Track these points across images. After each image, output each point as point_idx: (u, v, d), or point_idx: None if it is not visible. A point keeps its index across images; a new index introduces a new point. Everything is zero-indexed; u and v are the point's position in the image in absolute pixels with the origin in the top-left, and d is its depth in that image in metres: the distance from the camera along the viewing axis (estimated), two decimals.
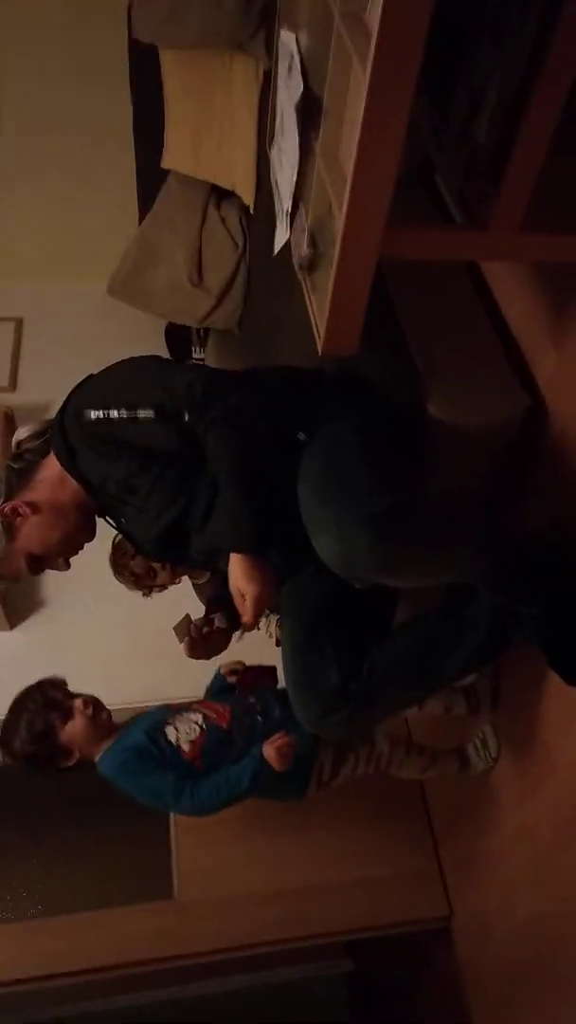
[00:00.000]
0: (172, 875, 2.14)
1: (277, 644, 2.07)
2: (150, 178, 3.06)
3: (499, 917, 2.00)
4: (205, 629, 1.61)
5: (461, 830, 2.15)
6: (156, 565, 2.06)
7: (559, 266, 1.43)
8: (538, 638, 1.44)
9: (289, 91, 1.30)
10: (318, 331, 1.28)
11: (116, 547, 2.04)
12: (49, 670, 1.86)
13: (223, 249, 2.85)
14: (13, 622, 2.63)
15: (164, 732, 1.73)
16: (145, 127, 2.94)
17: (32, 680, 1.82)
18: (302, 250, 1.31)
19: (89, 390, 1.47)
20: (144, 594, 2.13)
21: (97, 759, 1.73)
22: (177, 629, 1.60)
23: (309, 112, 1.28)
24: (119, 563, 2.07)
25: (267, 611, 1.90)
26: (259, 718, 1.78)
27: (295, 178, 1.35)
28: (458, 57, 1.12)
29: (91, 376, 1.52)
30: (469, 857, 2.12)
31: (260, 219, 2.61)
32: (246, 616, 1.38)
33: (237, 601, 1.39)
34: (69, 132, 3.14)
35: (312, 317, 1.33)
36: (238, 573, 1.36)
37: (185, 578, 2.12)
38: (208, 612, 1.69)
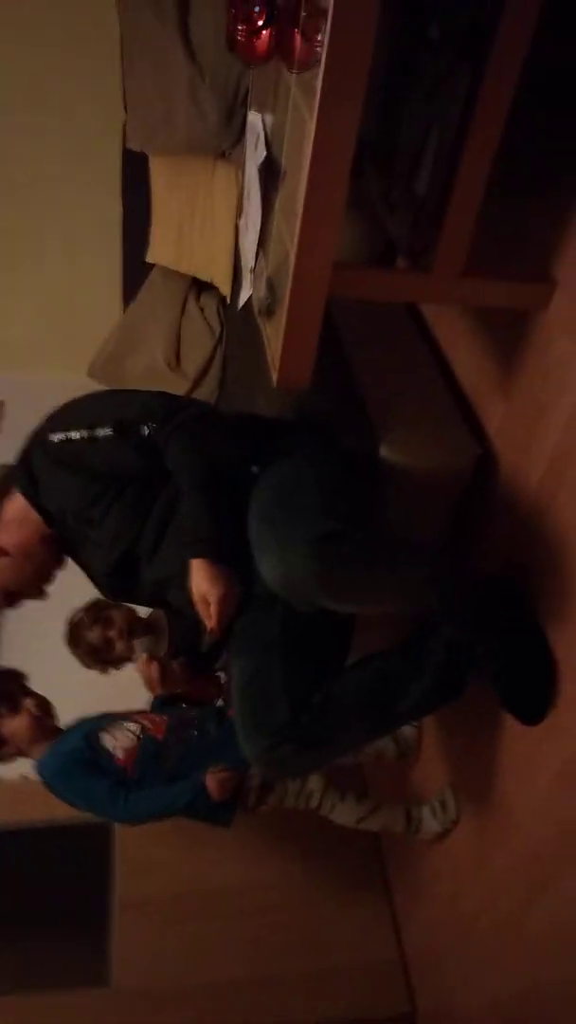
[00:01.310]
0: (110, 960, 1.98)
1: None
2: (135, 273, 3.27)
3: (463, 1007, 1.85)
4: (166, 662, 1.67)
5: (422, 906, 2.02)
6: (112, 634, 2.04)
7: (502, 318, 1.53)
8: (492, 677, 1.42)
9: (255, 159, 1.44)
10: (273, 365, 1.36)
11: (73, 624, 2.03)
12: None
13: (200, 336, 3.01)
14: None
15: (101, 739, 1.79)
16: (133, 227, 3.17)
17: None
18: (261, 294, 1.41)
19: (52, 419, 1.53)
20: (101, 671, 2.11)
21: (35, 761, 1.78)
22: (139, 644, 1.64)
23: (272, 177, 1.41)
24: (75, 635, 2.05)
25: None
26: (195, 732, 1.83)
27: (258, 235, 1.47)
28: (399, 123, 1.26)
29: (53, 410, 1.59)
30: (430, 940, 1.99)
31: (236, 311, 2.78)
32: (211, 621, 1.37)
33: (201, 609, 1.38)
34: (62, 230, 3.37)
35: (269, 355, 1.41)
36: (200, 577, 1.36)
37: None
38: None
